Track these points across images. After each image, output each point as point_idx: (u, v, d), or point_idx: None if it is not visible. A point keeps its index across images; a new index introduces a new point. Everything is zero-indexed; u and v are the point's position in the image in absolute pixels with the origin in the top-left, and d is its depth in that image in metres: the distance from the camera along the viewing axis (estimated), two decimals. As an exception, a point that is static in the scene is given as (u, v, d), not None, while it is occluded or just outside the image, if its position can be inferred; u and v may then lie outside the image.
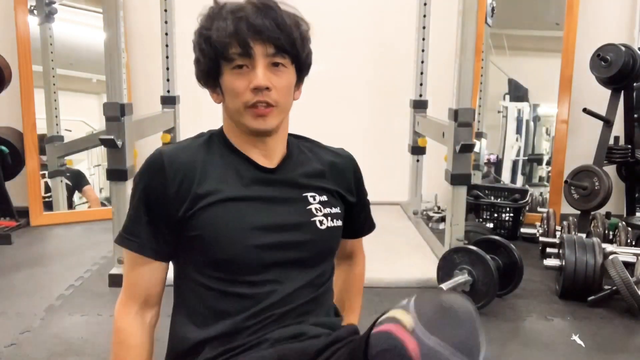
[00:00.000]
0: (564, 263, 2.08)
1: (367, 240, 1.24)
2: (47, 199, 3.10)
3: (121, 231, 1.01)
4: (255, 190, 1.01)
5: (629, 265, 2.04)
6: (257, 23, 0.95)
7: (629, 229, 2.46)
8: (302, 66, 1.03)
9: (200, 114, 3.30)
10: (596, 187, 2.69)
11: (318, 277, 1.03)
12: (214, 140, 1.05)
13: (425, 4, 2.85)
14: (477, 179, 3.25)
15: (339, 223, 1.07)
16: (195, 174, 0.98)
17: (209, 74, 1.01)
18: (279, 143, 1.05)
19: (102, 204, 3.26)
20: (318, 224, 1.03)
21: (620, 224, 2.48)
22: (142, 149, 3.22)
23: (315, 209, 1.04)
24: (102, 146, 2.13)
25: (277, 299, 0.98)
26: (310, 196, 1.04)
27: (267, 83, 0.96)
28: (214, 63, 0.99)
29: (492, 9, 3.19)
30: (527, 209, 2.99)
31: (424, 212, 3.23)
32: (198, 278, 0.99)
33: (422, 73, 2.92)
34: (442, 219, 3.05)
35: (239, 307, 0.97)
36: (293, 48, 0.98)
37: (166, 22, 2.89)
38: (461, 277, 1.95)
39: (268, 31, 0.95)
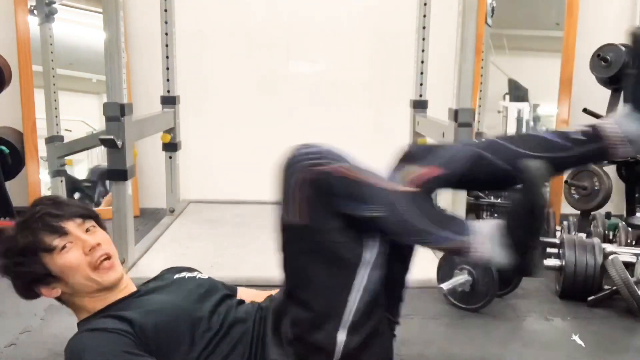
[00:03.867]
0: (564, 263, 2.08)
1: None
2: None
3: None
4: None
5: (629, 265, 2.04)
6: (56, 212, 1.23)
7: (629, 229, 2.45)
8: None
9: (201, 114, 3.31)
10: (596, 187, 2.69)
11: None
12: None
13: (425, 4, 2.84)
14: (477, 179, 3.24)
15: None
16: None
17: (39, 275, 1.22)
18: None
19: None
20: None
21: (620, 224, 2.47)
22: (142, 149, 3.23)
23: None
24: (102, 146, 2.13)
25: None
26: None
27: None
28: (40, 265, 1.20)
29: (492, 9, 3.18)
30: (527, 209, 2.98)
31: (424, 212, 3.21)
32: None
33: (422, 73, 2.91)
34: (442, 219, 3.03)
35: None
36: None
37: (166, 22, 2.90)
38: (461, 277, 1.95)
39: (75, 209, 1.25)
